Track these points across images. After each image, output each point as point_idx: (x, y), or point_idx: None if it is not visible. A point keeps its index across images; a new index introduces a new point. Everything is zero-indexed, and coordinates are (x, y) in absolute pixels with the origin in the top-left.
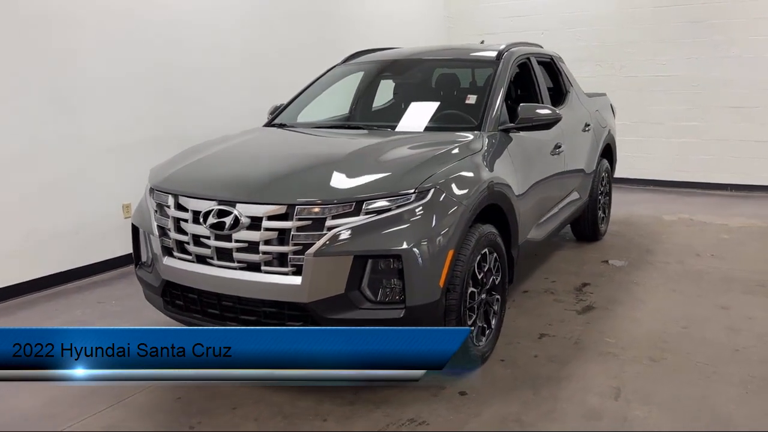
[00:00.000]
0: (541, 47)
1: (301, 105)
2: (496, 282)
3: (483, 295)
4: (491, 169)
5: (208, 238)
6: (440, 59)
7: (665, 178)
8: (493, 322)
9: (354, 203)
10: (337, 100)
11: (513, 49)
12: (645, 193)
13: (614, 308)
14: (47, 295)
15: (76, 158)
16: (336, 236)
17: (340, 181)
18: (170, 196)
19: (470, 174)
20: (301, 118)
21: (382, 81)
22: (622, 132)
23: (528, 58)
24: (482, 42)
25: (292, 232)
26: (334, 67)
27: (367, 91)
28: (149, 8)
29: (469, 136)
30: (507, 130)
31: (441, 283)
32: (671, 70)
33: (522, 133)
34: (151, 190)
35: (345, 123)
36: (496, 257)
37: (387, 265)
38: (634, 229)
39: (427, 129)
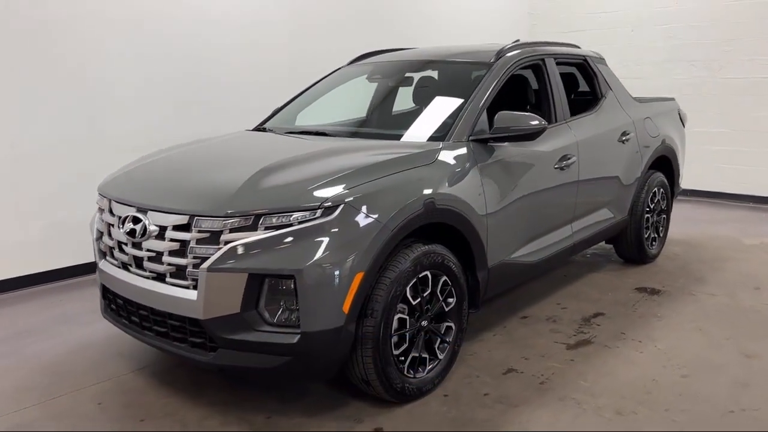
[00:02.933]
0: (577, 47)
1: (300, 107)
2: (446, 308)
3: (423, 323)
4: (444, 184)
5: (125, 244)
6: (435, 61)
7: None
8: (442, 352)
9: (252, 217)
10: (346, 102)
11: (517, 51)
12: (741, 211)
13: (614, 345)
14: (64, 285)
15: (100, 156)
16: (231, 251)
17: (244, 192)
18: (106, 199)
19: (402, 190)
20: (302, 121)
21: (373, 84)
22: (720, 141)
23: (542, 60)
24: (517, 41)
25: (190, 244)
26: (339, 69)
27: (360, 95)
28: (184, 10)
29: (426, 146)
30: (484, 141)
31: (345, 309)
32: None
33: (507, 144)
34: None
35: (319, 129)
36: (446, 281)
37: (285, 285)
38: (700, 252)
39: (389, 137)
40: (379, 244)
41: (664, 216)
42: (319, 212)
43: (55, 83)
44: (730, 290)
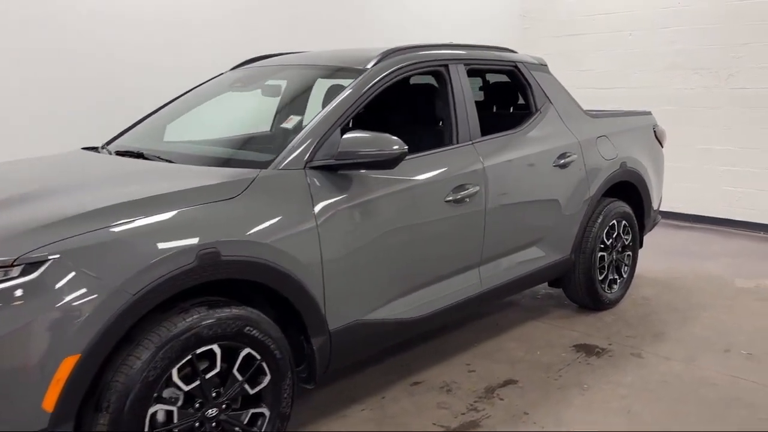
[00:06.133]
0: (511, 51)
1: (169, 120)
2: (253, 390)
3: (211, 412)
4: (246, 226)
5: None
6: (305, 67)
7: None
8: None
9: None
10: (220, 115)
11: (403, 56)
12: (747, 242)
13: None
14: None
15: None
16: None
17: None
18: None
19: (158, 237)
20: (172, 135)
21: (238, 94)
22: (727, 160)
23: (444, 66)
24: (449, 43)
25: None
26: (220, 74)
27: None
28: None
29: (234, 175)
30: (328, 168)
31: (48, 406)
32: None
33: (367, 172)
34: None
35: (140, 149)
36: (251, 355)
37: None
38: (677, 296)
39: (212, 161)
40: (110, 314)
41: (629, 253)
42: (16, 271)
43: None
44: (691, 352)
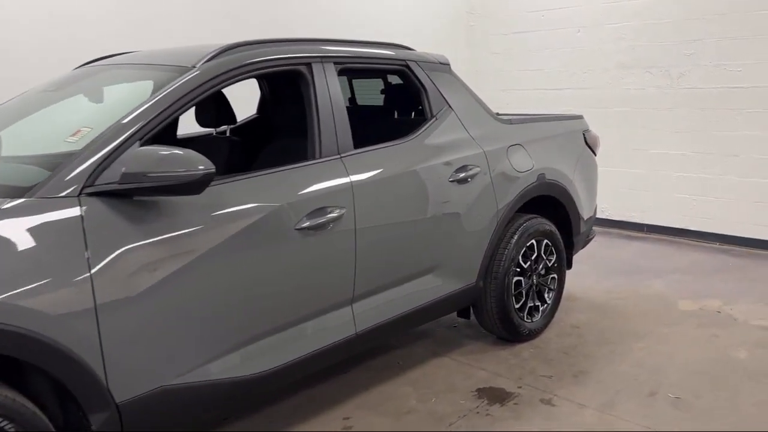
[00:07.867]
0: (408, 49)
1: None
2: None
3: None
4: None
5: None
6: (134, 66)
7: (740, 233)
8: None
9: None
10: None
11: (248, 52)
12: (701, 254)
13: None
14: None
15: None
16: None
17: None
18: None
19: None
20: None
21: (66, 98)
22: (681, 166)
23: (307, 65)
24: (321, 38)
25: None
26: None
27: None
28: None
29: None
30: (116, 195)
31: None
32: (751, 80)
33: (176, 199)
34: None
35: None
36: None
37: None
38: (611, 322)
39: None
40: None
41: (554, 276)
42: None
43: None
44: (611, 396)
